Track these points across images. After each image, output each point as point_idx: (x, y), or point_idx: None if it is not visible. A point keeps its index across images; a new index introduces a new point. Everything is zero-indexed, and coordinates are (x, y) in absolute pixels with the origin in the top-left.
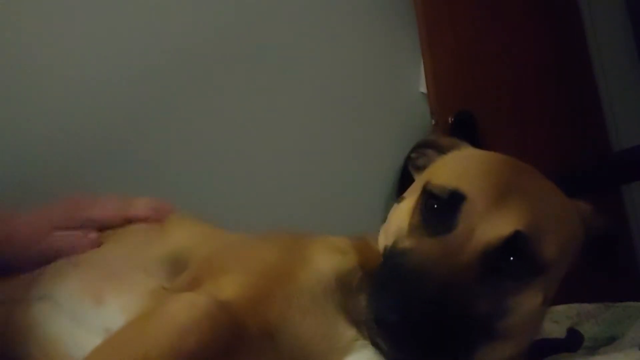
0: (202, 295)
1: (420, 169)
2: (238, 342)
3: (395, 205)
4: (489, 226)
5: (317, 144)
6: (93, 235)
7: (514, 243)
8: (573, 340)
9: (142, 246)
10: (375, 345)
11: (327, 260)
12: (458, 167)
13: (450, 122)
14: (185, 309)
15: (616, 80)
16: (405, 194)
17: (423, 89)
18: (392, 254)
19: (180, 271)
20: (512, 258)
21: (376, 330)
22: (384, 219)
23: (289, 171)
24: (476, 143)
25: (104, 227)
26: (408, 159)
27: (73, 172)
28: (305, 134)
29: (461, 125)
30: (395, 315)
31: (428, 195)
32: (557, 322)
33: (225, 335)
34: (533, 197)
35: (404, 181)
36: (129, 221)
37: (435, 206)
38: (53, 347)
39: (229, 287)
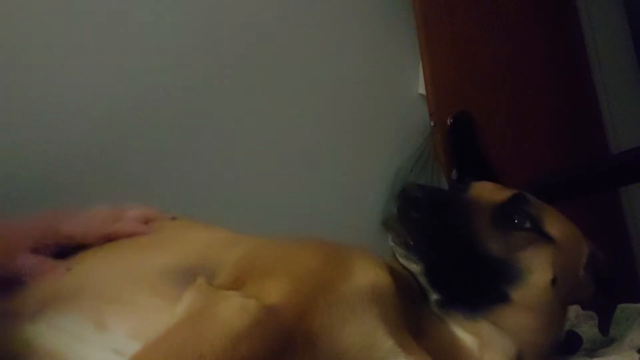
0: (251, 300)
1: None
2: (283, 349)
3: None
4: (495, 194)
5: (316, 146)
6: (62, 270)
7: (517, 201)
8: (572, 342)
9: (140, 260)
10: (399, 241)
11: (367, 274)
12: None
13: (449, 123)
14: (237, 314)
15: (614, 82)
16: None
17: (422, 90)
18: None
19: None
20: (516, 218)
21: (400, 224)
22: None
23: (287, 173)
24: (475, 144)
25: (84, 244)
26: None
27: (74, 175)
28: (304, 135)
29: (460, 126)
30: (420, 194)
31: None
32: None
33: (274, 343)
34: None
35: None
36: (112, 239)
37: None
38: None
39: (275, 292)
